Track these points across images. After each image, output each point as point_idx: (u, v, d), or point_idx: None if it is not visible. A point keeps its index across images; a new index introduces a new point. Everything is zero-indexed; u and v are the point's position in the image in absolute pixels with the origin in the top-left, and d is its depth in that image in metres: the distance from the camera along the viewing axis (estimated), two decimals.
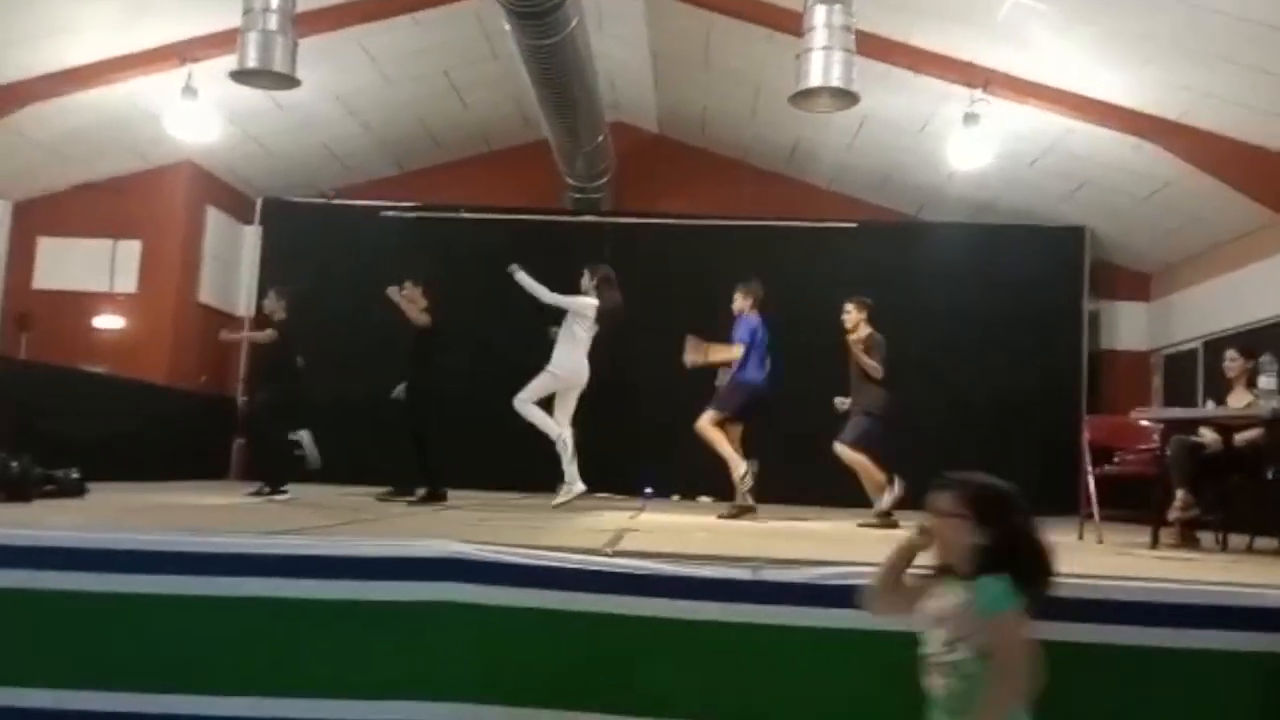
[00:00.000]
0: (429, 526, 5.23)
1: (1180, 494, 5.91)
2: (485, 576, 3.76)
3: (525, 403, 7.83)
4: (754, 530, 6.49)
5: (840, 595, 3.44)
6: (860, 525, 7.24)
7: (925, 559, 2.87)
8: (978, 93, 9.09)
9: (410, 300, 8.08)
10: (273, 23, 7.48)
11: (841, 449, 7.59)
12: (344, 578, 3.80)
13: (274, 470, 8.07)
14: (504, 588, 3.75)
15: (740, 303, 8.12)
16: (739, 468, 7.75)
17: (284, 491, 7.81)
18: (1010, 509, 2.71)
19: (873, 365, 7.60)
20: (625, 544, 4.61)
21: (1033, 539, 2.72)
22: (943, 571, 2.79)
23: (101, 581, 3.79)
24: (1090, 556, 5.39)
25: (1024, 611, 2.63)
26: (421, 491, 7.89)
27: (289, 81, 7.79)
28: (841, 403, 7.83)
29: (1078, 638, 3.43)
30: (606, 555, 3.90)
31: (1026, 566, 2.66)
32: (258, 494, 7.80)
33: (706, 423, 7.89)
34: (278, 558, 3.84)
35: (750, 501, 7.77)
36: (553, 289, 8.03)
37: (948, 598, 2.71)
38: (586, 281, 8.13)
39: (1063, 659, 3.22)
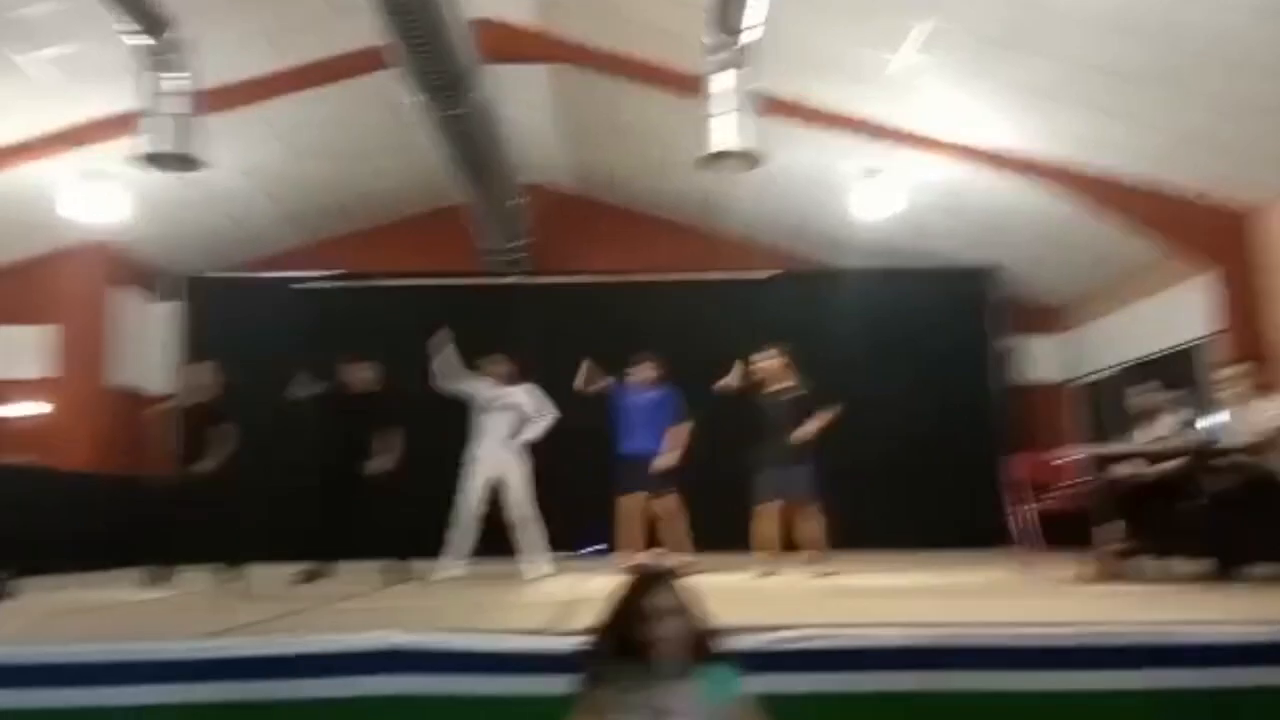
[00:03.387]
0: (368, 615, 5.07)
1: (1109, 527, 6.04)
2: (429, 666, 3.67)
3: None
4: (706, 592, 6.37)
5: (797, 660, 3.42)
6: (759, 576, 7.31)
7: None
8: (876, 147, 9.31)
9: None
10: (172, 105, 7.33)
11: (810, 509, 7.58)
12: (283, 676, 3.68)
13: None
14: (449, 675, 3.66)
15: (654, 372, 8.17)
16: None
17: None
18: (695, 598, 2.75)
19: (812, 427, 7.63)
20: (574, 617, 4.54)
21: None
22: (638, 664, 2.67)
23: (31, 697, 3.62)
24: (1032, 600, 5.45)
25: None
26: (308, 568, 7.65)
27: (193, 163, 7.65)
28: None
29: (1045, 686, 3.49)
30: (554, 634, 3.82)
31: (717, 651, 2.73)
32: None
33: (677, 507, 7.94)
34: (216, 661, 3.71)
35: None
36: (473, 355, 8.16)
37: (672, 691, 2.63)
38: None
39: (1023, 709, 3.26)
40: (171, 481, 7.75)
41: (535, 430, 7.94)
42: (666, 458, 7.91)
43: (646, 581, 2.76)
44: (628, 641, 2.69)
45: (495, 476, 7.89)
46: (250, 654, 3.70)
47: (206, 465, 7.55)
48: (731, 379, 7.88)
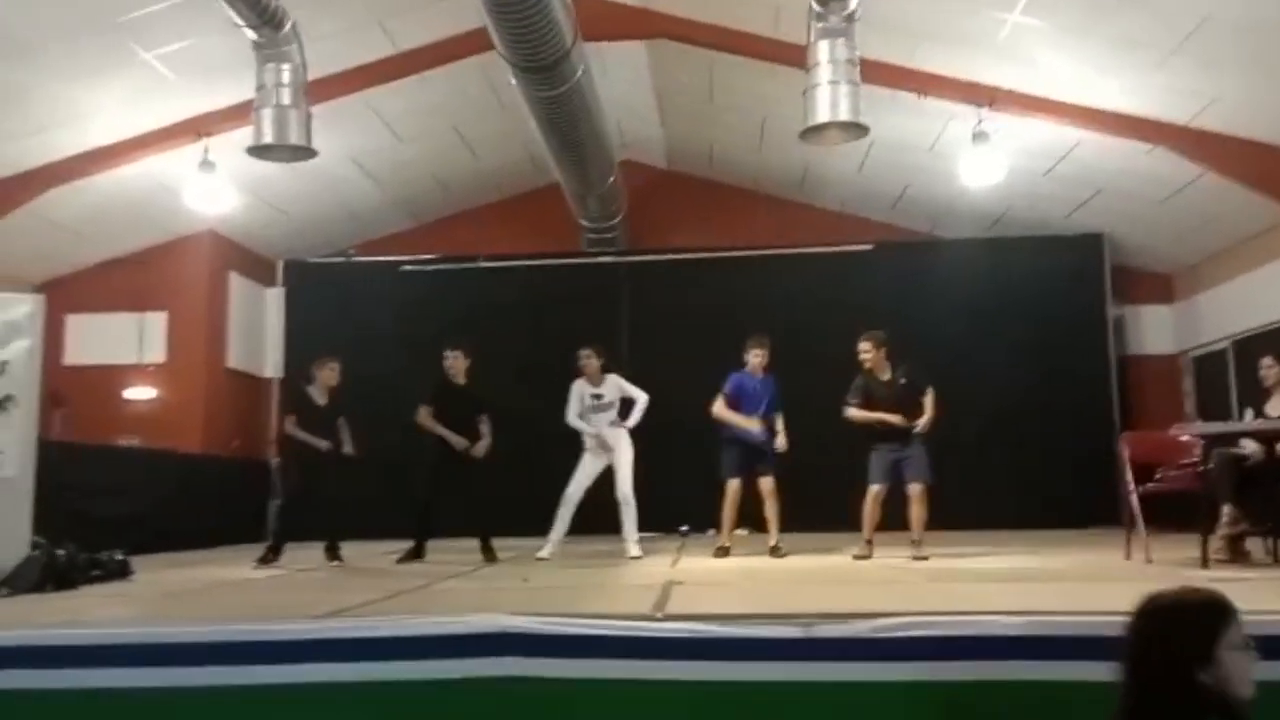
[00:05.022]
0: (475, 597, 5.22)
1: (1226, 509, 5.85)
2: (538, 649, 3.76)
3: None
4: (803, 575, 6.41)
5: (898, 648, 3.42)
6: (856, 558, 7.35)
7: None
8: (984, 110, 9.08)
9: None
10: (285, 97, 7.56)
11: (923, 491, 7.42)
12: (396, 658, 3.81)
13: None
14: (557, 659, 3.76)
15: (764, 359, 8.11)
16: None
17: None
18: None
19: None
20: (673, 601, 4.62)
21: None
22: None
23: (151, 676, 3.81)
24: (1145, 584, 5.32)
25: None
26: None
27: (305, 153, 7.88)
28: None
29: None
30: (657, 620, 3.90)
31: None
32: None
33: (776, 488, 7.98)
34: (328, 642, 3.86)
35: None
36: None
37: None
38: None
39: None
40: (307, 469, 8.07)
41: (635, 415, 8.04)
42: (782, 440, 7.94)
43: (1214, 612, 2.18)
44: (1187, 688, 2.12)
45: (606, 461, 8.02)
46: (364, 635, 3.84)
47: (346, 450, 7.94)
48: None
